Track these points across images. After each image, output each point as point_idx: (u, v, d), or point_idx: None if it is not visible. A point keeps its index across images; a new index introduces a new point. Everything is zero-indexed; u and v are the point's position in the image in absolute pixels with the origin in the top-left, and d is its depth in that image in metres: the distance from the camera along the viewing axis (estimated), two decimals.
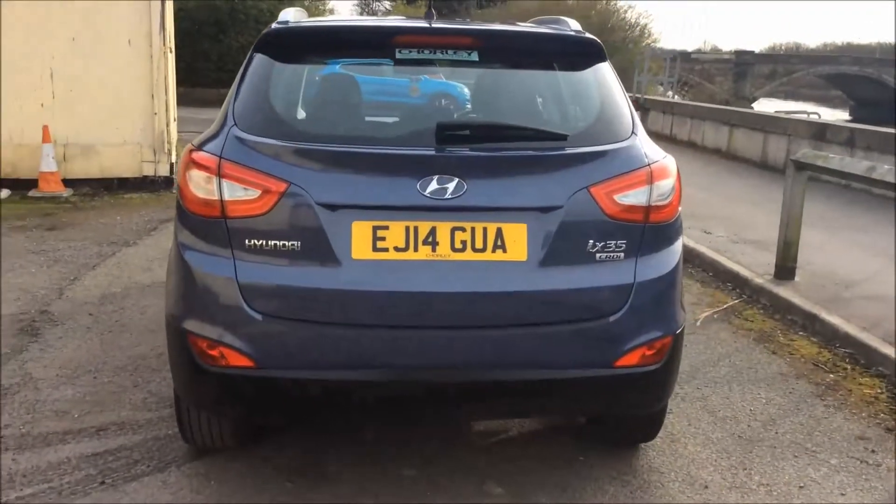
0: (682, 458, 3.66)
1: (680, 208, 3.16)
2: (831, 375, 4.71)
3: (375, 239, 2.78)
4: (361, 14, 49.74)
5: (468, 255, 2.81)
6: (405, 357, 2.84)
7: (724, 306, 6.00)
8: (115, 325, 5.07)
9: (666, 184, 3.02)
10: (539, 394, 2.98)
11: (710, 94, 46.71)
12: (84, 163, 9.58)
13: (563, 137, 3.01)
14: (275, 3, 23.31)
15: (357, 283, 2.78)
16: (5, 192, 9.07)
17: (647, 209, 2.96)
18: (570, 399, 3.06)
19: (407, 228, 2.79)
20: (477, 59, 3.15)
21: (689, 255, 7.42)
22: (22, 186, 9.27)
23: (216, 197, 2.81)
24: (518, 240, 2.83)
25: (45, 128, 9.13)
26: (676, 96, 24.79)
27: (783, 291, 6.01)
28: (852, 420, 4.13)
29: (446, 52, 3.15)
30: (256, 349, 2.82)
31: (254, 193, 2.79)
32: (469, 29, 3.27)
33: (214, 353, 2.85)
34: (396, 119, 3.50)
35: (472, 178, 2.81)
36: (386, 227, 2.79)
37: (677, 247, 3.14)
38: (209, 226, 2.84)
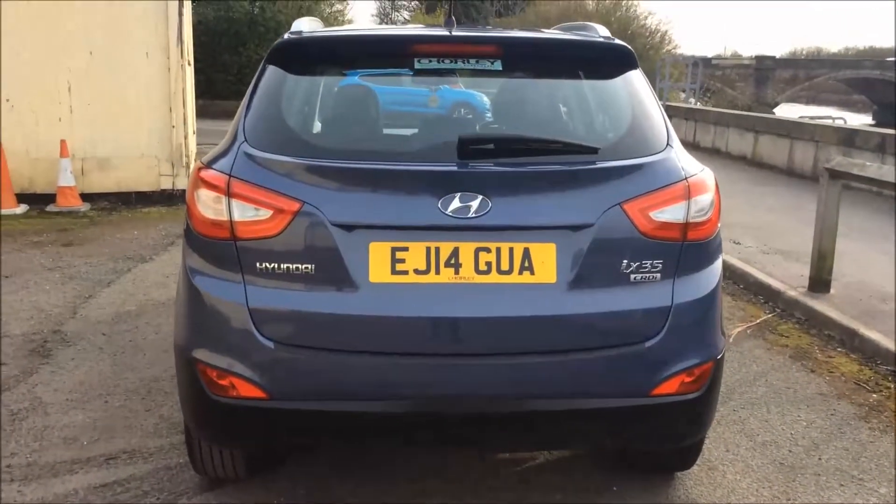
0: (721, 487, 3.45)
1: (719, 224, 2.97)
2: (874, 395, 4.48)
3: (394, 261, 2.61)
4: (381, 24, 49.78)
5: (493, 278, 2.63)
6: (426, 387, 2.65)
7: (758, 321, 5.77)
8: (129, 346, 4.93)
9: (705, 199, 2.83)
10: (570, 425, 2.79)
11: (730, 99, 46.29)
12: (102, 176, 9.53)
13: (594, 151, 2.81)
14: (294, 16, 23.30)
15: (375, 308, 2.60)
16: (23, 208, 9.01)
17: (685, 226, 2.77)
18: (603, 430, 2.87)
19: (428, 249, 2.61)
20: (500, 68, 2.97)
21: None
22: (40, 201, 9.23)
23: (225, 217, 2.65)
24: (546, 261, 2.65)
25: (62, 142, 9.08)
26: (698, 102, 24.49)
27: (818, 305, 5.77)
28: None
29: (468, 62, 2.98)
30: (268, 379, 2.65)
31: (265, 214, 2.62)
32: (491, 37, 3.10)
33: (224, 383, 2.68)
34: (416, 133, 3.33)
35: (496, 196, 2.63)
36: (405, 249, 2.61)
37: (717, 266, 2.95)
38: (218, 248, 2.68)
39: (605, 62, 3.12)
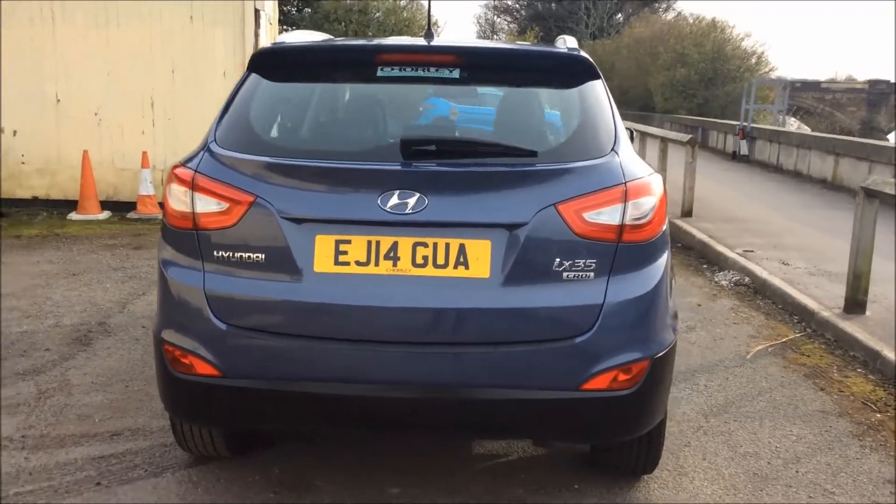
0: (684, 492, 3.49)
1: (664, 227, 3.04)
2: (878, 415, 4.38)
3: (338, 252, 2.81)
4: None
5: (429, 271, 2.80)
6: (362, 372, 2.84)
7: (782, 340, 5.68)
8: None
9: (645, 202, 2.92)
10: (500, 414, 2.91)
11: (832, 123, 44.51)
12: None
13: (533, 154, 2.95)
14: (374, 32, 23.70)
15: (317, 296, 2.81)
16: (105, 214, 9.70)
17: (621, 228, 2.86)
18: (533, 421, 2.97)
19: (369, 243, 2.81)
20: (458, 76, 3.15)
21: (760, 287, 7.10)
22: (123, 208, 9.93)
23: (189, 209, 2.92)
24: (481, 256, 2.80)
25: (144, 153, 9.73)
26: (795, 124, 23.69)
27: (849, 326, 5.64)
28: (887, 462, 3.82)
29: (428, 70, 3.16)
30: (222, 359, 2.89)
31: (222, 206, 2.88)
32: (451, 46, 3.28)
33: (186, 361, 2.94)
34: (368, 134, 3.51)
35: (434, 194, 2.80)
36: (348, 241, 2.82)
37: (660, 265, 3.00)
38: (184, 238, 2.96)
39: (561, 72, 3.26)
